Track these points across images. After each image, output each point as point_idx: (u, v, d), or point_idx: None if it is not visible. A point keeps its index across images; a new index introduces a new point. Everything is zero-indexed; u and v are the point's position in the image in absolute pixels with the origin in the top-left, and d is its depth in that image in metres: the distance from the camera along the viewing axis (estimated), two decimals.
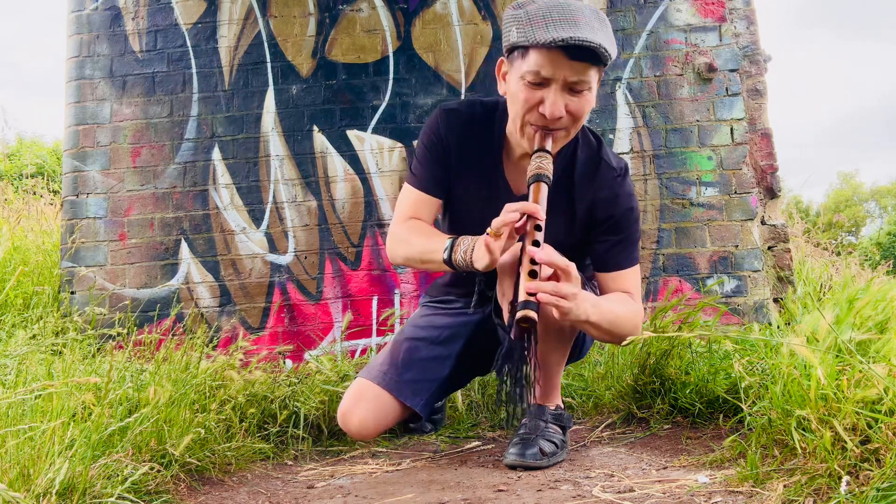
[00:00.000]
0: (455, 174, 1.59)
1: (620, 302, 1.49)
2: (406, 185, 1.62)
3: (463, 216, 1.65)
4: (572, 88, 1.37)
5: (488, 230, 1.32)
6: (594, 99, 1.43)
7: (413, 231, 1.55)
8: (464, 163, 1.58)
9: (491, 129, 1.57)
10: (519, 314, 1.25)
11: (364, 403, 1.66)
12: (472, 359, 1.76)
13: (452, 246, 1.44)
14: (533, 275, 1.28)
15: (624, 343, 1.47)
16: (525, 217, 1.31)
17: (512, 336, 1.33)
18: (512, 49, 1.41)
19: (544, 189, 1.36)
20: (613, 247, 1.54)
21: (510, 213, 1.30)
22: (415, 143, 3.15)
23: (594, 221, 1.55)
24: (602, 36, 1.32)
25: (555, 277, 1.31)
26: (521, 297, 1.26)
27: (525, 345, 1.35)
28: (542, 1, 1.36)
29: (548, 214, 1.35)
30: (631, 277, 1.54)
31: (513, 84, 1.42)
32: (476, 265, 1.37)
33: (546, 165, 1.38)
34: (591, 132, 1.61)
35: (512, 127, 1.50)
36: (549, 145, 1.41)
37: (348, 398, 1.69)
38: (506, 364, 1.38)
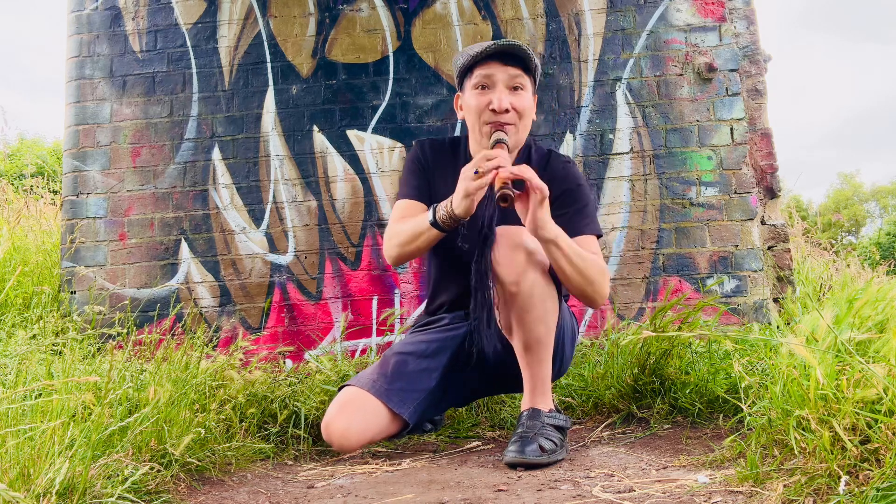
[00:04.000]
0: (434, 184, 1.88)
1: (586, 250, 1.67)
2: (396, 203, 1.89)
3: None
4: (513, 88, 1.72)
5: (473, 172, 1.56)
6: (534, 104, 1.77)
7: (400, 223, 1.78)
8: (440, 171, 1.88)
9: (458, 147, 1.92)
10: (498, 194, 1.48)
11: (349, 410, 1.66)
12: (457, 373, 1.81)
13: (434, 209, 1.65)
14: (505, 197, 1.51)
15: (594, 304, 1.68)
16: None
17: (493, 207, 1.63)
18: (461, 77, 1.79)
19: (505, 148, 1.67)
20: (574, 216, 1.75)
21: (490, 156, 1.55)
22: (414, 142, 3.15)
23: (553, 198, 1.74)
24: (525, 46, 1.70)
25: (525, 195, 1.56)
26: (497, 186, 1.50)
27: (485, 260, 1.61)
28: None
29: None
30: (593, 243, 1.74)
31: (467, 99, 1.77)
32: (457, 211, 1.59)
33: (502, 137, 1.68)
34: (543, 145, 1.95)
35: (474, 139, 1.80)
36: (503, 131, 1.72)
37: (332, 406, 1.69)
38: (476, 276, 1.63)
